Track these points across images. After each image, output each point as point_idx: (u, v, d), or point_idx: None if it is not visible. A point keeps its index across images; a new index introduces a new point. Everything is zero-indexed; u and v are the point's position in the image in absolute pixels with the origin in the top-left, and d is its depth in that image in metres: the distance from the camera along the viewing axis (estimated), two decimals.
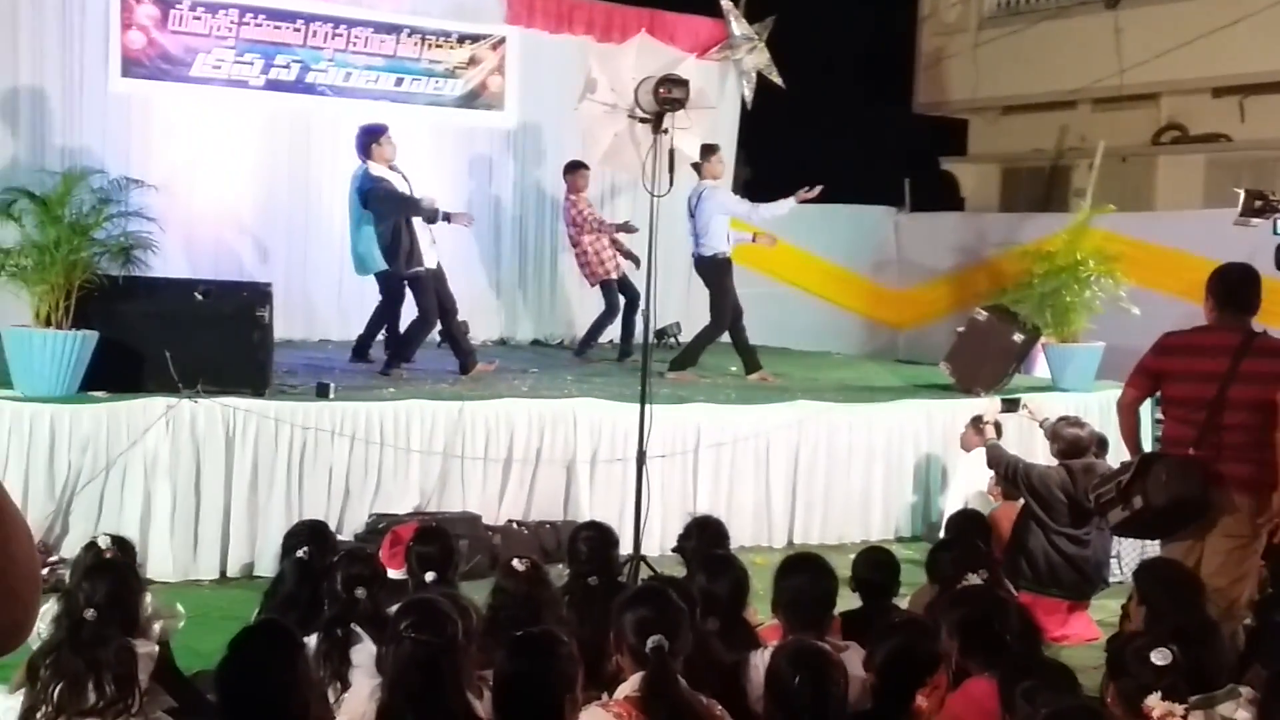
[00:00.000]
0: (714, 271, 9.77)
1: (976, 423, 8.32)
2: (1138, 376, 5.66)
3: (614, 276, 10.58)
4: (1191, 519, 5.38)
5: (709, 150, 9.54)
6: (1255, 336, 5.32)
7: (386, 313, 9.39)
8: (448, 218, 9.10)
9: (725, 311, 9.74)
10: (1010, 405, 7.68)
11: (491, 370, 9.15)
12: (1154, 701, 3.35)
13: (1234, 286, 5.42)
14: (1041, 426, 7.37)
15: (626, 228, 10.32)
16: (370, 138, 9.04)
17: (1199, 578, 4.85)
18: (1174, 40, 13.88)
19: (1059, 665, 3.79)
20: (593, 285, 10.80)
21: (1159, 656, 3.48)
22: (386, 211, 8.79)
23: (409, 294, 9.14)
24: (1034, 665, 3.71)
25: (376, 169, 8.94)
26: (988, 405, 7.76)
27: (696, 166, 9.46)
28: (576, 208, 10.59)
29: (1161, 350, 5.56)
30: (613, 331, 11.02)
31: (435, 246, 9.09)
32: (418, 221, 8.90)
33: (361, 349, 9.59)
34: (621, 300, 10.63)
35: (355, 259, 9.29)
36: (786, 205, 9.82)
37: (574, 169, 10.48)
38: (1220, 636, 4.14)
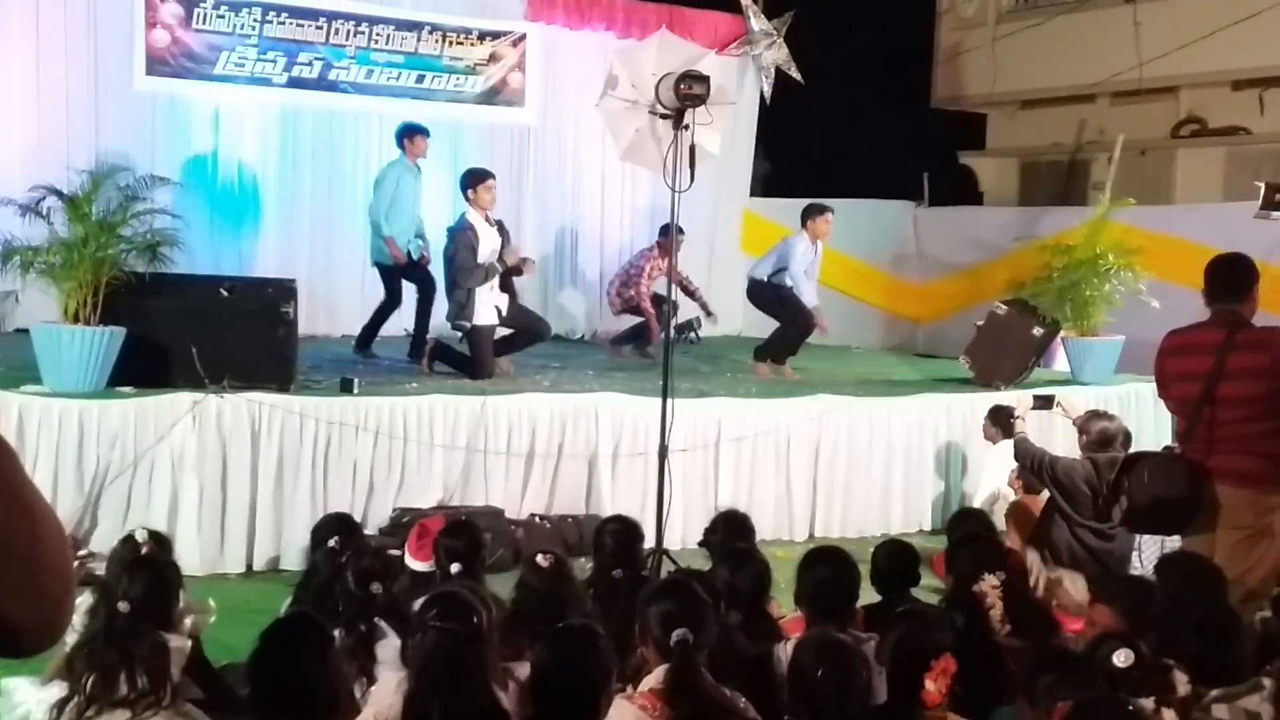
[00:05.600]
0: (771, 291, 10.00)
1: (995, 415, 8.35)
2: (1159, 389, 5.70)
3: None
4: (1182, 517, 5.38)
5: (816, 210, 9.93)
6: (1238, 330, 5.28)
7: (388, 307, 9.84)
8: (507, 270, 9.08)
9: (795, 311, 9.91)
10: (1043, 402, 7.67)
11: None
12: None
13: (1212, 275, 5.40)
14: (1075, 424, 7.38)
15: (519, 267, 9.41)
16: (469, 180, 9.02)
17: (1221, 571, 4.86)
18: (1193, 33, 13.84)
19: (1082, 658, 3.81)
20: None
21: (1121, 658, 3.48)
22: (459, 274, 8.83)
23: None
24: (1056, 658, 3.73)
25: (472, 217, 8.89)
26: (1018, 400, 7.76)
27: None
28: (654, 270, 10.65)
29: (1160, 355, 5.58)
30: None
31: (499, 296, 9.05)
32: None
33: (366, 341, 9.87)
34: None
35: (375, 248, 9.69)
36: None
37: (665, 233, 10.05)
38: (1243, 630, 4.15)
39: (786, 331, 10.05)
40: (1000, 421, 8.32)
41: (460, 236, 8.83)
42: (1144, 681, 3.44)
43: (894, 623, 3.85)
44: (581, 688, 3.32)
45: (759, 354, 10.12)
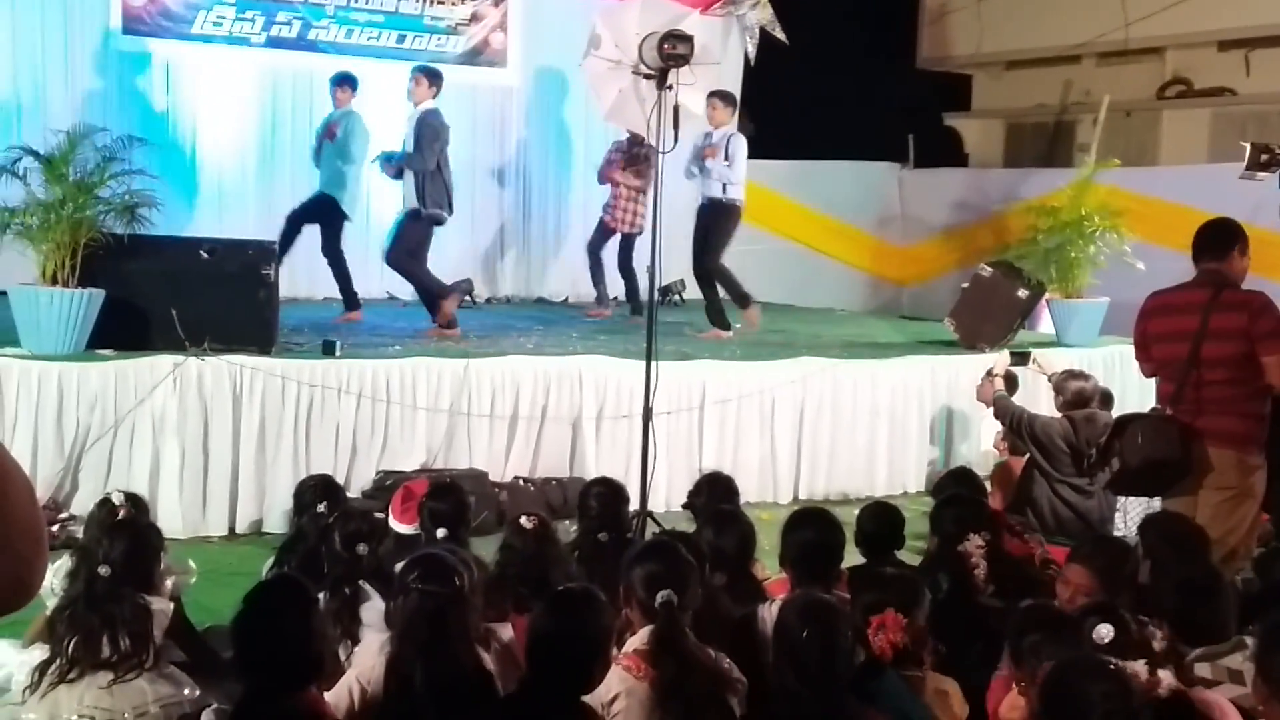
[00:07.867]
0: (734, 220, 9.86)
1: (991, 375, 8.37)
2: (1138, 351, 5.70)
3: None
4: (1171, 479, 5.40)
5: (731, 100, 9.95)
6: (1222, 290, 5.31)
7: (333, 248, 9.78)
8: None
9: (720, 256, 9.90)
10: (1020, 358, 7.69)
11: (454, 337, 8.97)
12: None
13: (1197, 236, 5.46)
14: (1050, 380, 7.40)
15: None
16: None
17: (1204, 531, 4.88)
18: None
19: (1064, 618, 3.82)
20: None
21: (1102, 632, 3.48)
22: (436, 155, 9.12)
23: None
24: (1041, 618, 3.74)
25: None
26: (997, 359, 7.77)
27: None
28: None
29: (1142, 316, 5.61)
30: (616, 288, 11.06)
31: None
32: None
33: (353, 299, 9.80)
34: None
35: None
36: None
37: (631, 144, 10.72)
38: (1225, 590, 4.17)
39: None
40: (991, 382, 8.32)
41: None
42: (1129, 647, 3.45)
43: (865, 586, 3.87)
44: (579, 652, 3.30)
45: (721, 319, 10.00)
